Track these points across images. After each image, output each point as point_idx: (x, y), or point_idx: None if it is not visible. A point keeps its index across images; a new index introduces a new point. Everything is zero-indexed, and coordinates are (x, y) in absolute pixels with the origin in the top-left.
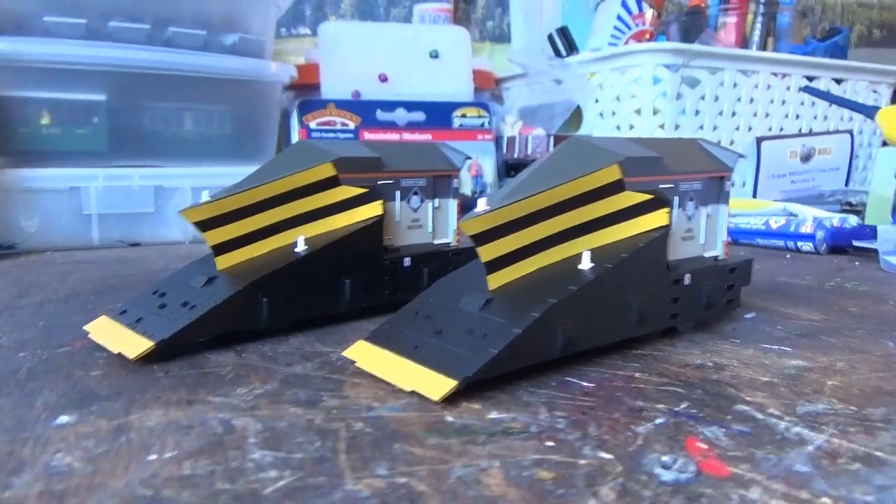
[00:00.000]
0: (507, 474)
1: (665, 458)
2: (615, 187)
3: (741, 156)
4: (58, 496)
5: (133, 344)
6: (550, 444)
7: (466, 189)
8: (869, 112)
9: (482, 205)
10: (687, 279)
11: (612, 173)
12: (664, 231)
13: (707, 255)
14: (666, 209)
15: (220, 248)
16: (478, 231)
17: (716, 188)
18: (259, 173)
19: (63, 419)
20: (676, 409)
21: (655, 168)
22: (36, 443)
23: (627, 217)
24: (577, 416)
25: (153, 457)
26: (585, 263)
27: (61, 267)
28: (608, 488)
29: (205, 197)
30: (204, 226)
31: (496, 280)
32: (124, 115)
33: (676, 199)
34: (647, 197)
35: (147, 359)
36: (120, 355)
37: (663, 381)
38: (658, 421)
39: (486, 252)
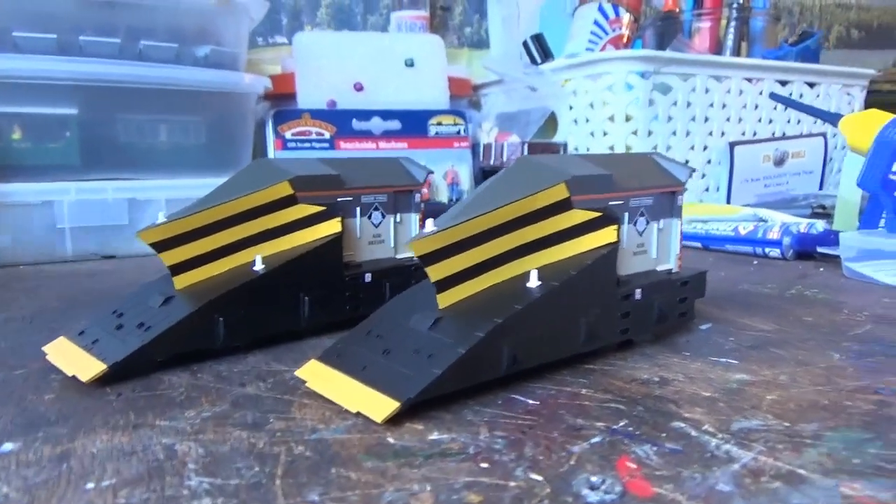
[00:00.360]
0: (437, 498)
1: (594, 479)
2: (563, 205)
3: (693, 170)
4: None
5: (87, 367)
6: (485, 465)
7: (443, 197)
8: (832, 119)
9: (430, 225)
10: (638, 294)
11: (560, 192)
12: (613, 247)
13: (660, 268)
14: (614, 226)
15: (178, 269)
16: (426, 251)
17: (668, 203)
18: (216, 193)
19: (7, 447)
20: (615, 426)
21: (604, 185)
22: None
23: (576, 234)
24: (516, 436)
25: (90, 485)
26: (533, 282)
27: (32, 282)
28: None
29: (161, 218)
30: (160, 247)
31: (446, 299)
32: (97, 128)
33: (626, 215)
34: (595, 214)
35: (101, 381)
36: (75, 378)
37: (607, 398)
38: (594, 440)
39: (435, 272)
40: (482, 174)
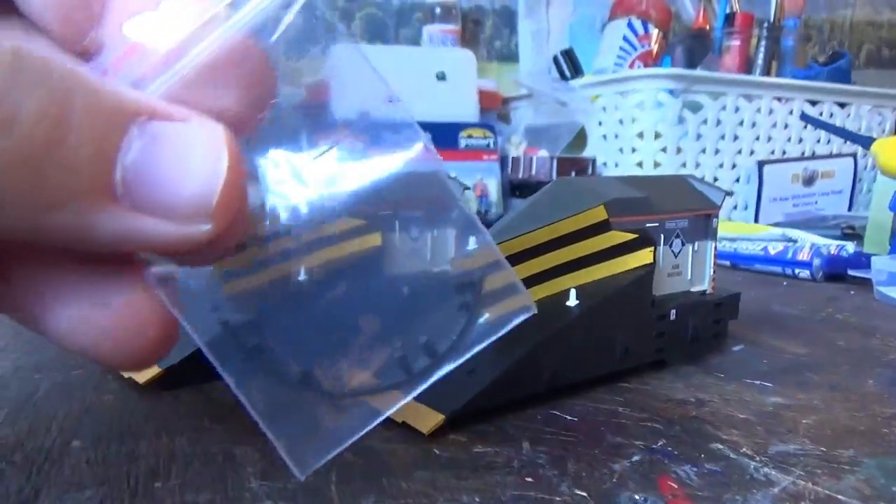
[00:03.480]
0: None
1: (637, 497)
2: (601, 227)
3: (728, 193)
4: None
5: (143, 370)
6: (530, 480)
7: (472, 209)
8: (864, 143)
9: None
10: (672, 314)
11: (598, 214)
12: (649, 268)
13: (694, 289)
14: (651, 248)
15: None
16: None
17: (703, 225)
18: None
19: (76, 444)
20: (654, 446)
21: (641, 208)
22: (52, 466)
23: (613, 255)
24: (558, 452)
25: (158, 484)
26: (572, 300)
27: None
28: None
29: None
30: None
31: None
32: None
33: (662, 236)
34: (632, 236)
35: (156, 384)
36: (130, 379)
37: (644, 417)
38: (635, 458)
39: None
40: (510, 187)
